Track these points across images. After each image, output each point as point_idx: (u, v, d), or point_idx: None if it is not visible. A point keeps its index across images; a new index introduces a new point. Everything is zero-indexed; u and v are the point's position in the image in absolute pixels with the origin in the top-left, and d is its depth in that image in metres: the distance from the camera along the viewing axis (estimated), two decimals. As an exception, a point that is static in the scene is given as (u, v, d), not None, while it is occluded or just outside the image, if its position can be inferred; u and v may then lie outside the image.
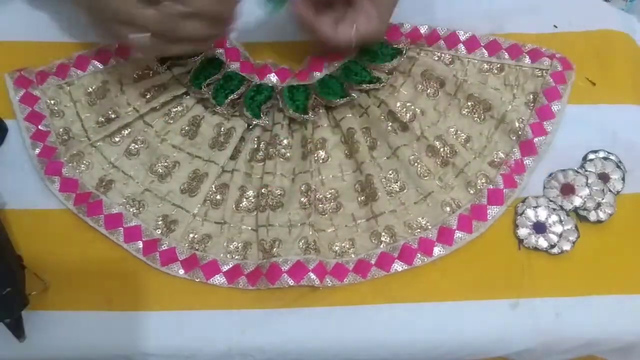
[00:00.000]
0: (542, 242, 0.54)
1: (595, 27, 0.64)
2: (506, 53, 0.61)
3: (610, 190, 0.56)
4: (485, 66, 0.61)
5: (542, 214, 0.55)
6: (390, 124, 0.58)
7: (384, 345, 0.52)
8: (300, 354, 0.52)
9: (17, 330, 0.49)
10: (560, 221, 0.55)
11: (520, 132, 0.57)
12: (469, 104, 0.59)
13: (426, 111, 0.59)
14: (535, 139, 0.57)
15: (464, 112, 0.59)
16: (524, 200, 0.56)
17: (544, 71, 0.59)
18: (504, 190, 0.56)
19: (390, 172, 0.57)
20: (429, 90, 0.59)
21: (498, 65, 0.61)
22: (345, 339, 0.52)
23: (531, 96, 0.59)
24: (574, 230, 0.54)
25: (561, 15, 0.64)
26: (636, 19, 0.66)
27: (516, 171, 0.56)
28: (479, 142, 0.58)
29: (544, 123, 0.57)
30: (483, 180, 0.56)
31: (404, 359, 0.52)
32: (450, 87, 0.59)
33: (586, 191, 0.55)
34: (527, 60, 0.60)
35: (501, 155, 0.57)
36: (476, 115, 0.59)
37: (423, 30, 0.62)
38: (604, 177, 0.57)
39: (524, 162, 0.57)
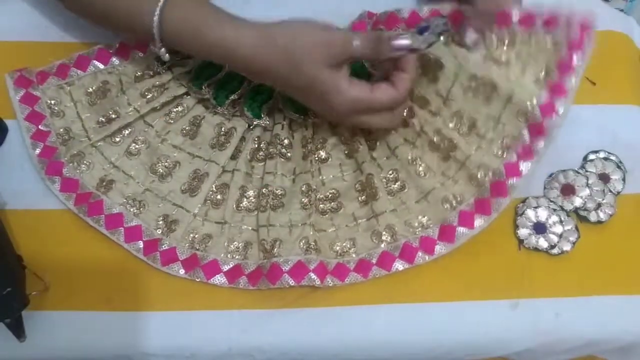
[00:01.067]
0: (543, 243, 0.54)
1: (594, 28, 0.63)
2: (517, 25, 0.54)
3: (610, 191, 0.56)
4: (492, 48, 0.54)
5: (542, 215, 0.55)
6: None
7: (384, 345, 0.52)
8: (300, 353, 0.52)
9: (18, 330, 0.49)
10: (561, 221, 0.55)
11: (529, 114, 0.52)
12: (473, 85, 0.54)
13: (428, 98, 0.56)
14: (545, 120, 0.52)
15: (468, 94, 0.55)
16: (524, 201, 0.56)
17: (558, 42, 0.53)
18: (507, 182, 0.52)
19: (390, 171, 0.57)
20: (429, 75, 0.56)
21: (506, 41, 0.54)
22: (345, 339, 0.52)
23: (543, 73, 0.53)
24: (574, 230, 0.55)
25: (561, 16, 0.64)
26: (635, 20, 0.67)
27: (523, 157, 0.53)
28: (485, 127, 0.54)
29: (555, 101, 0.52)
30: (485, 173, 0.53)
31: (403, 359, 0.52)
32: (449, 68, 0.55)
33: (586, 192, 0.56)
34: (540, 29, 0.53)
35: (507, 140, 0.53)
36: (481, 97, 0.54)
37: (422, 13, 0.60)
38: (604, 178, 0.57)
39: (533, 146, 0.52)
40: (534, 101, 0.52)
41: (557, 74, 0.52)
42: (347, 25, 0.63)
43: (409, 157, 0.56)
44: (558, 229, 0.54)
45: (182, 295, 0.52)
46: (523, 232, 0.55)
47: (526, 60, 0.53)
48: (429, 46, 0.51)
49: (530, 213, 0.55)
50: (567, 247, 0.54)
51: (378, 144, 0.58)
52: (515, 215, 0.55)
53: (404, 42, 0.50)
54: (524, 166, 0.52)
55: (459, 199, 0.55)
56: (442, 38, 0.51)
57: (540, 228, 0.55)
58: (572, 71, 0.52)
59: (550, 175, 0.57)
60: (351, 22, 0.63)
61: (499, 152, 0.54)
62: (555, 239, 0.54)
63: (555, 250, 0.54)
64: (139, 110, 0.58)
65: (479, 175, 0.54)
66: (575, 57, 0.52)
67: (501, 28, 0.54)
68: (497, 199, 0.53)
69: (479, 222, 0.53)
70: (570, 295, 0.53)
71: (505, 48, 0.54)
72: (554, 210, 0.55)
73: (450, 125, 0.55)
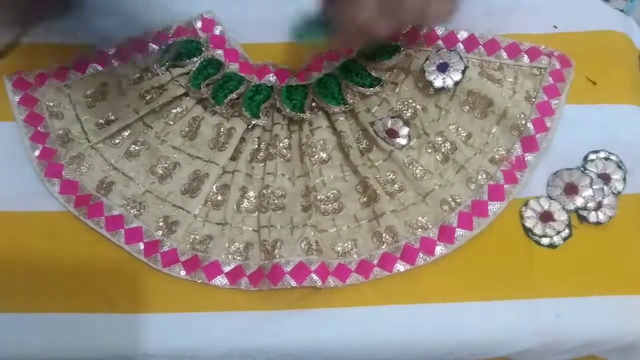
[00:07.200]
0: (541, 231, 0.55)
1: (594, 28, 0.64)
2: (504, 52, 0.61)
3: (612, 192, 0.56)
4: (484, 65, 0.60)
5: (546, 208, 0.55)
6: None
7: (385, 346, 0.52)
8: (301, 355, 0.52)
9: None
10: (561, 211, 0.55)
11: (522, 128, 0.57)
12: (470, 99, 0.59)
13: (427, 107, 0.59)
14: (537, 135, 0.57)
15: (465, 108, 0.58)
16: (526, 203, 0.56)
17: (542, 70, 0.59)
18: (505, 186, 0.55)
19: (388, 173, 0.57)
20: (430, 89, 0.59)
21: (497, 65, 0.60)
22: (346, 340, 0.52)
23: (531, 92, 0.59)
24: (567, 227, 0.55)
25: (561, 15, 0.64)
26: (634, 20, 0.67)
27: (517, 167, 0.56)
28: (480, 139, 0.58)
29: (545, 119, 0.57)
30: (484, 176, 0.56)
31: (405, 359, 0.52)
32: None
33: (589, 192, 0.55)
34: (525, 59, 0.60)
35: (502, 152, 0.57)
36: (477, 111, 0.58)
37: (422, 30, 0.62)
38: (604, 178, 0.57)
39: (525, 158, 0.56)
40: (526, 116, 0.57)
41: (544, 95, 0.58)
42: None
43: (405, 161, 0.56)
44: (558, 221, 0.55)
45: (182, 296, 0.52)
46: (528, 215, 0.55)
47: (515, 81, 0.59)
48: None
49: (534, 206, 0.56)
50: (559, 241, 0.54)
51: (374, 147, 0.58)
52: (520, 212, 0.55)
53: None
54: (520, 174, 0.56)
55: (458, 200, 0.55)
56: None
57: (546, 216, 0.55)
58: (558, 95, 0.58)
59: (555, 173, 0.57)
60: None
61: (495, 160, 0.57)
62: (553, 230, 0.54)
63: (545, 241, 0.54)
64: (138, 111, 0.58)
65: (479, 177, 0.55)
66: (558, 85, 0.59)
67: (489, 54, 0.61)
68: (495, 202, 0.55)
69: (477, 223, 0.54)
70: (571, 295, 0.53)
71: (494, 71, 0.60)
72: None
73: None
